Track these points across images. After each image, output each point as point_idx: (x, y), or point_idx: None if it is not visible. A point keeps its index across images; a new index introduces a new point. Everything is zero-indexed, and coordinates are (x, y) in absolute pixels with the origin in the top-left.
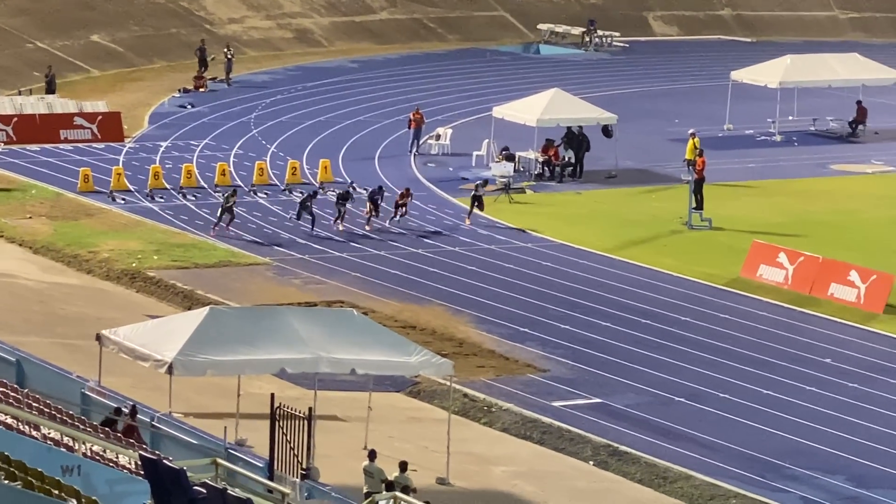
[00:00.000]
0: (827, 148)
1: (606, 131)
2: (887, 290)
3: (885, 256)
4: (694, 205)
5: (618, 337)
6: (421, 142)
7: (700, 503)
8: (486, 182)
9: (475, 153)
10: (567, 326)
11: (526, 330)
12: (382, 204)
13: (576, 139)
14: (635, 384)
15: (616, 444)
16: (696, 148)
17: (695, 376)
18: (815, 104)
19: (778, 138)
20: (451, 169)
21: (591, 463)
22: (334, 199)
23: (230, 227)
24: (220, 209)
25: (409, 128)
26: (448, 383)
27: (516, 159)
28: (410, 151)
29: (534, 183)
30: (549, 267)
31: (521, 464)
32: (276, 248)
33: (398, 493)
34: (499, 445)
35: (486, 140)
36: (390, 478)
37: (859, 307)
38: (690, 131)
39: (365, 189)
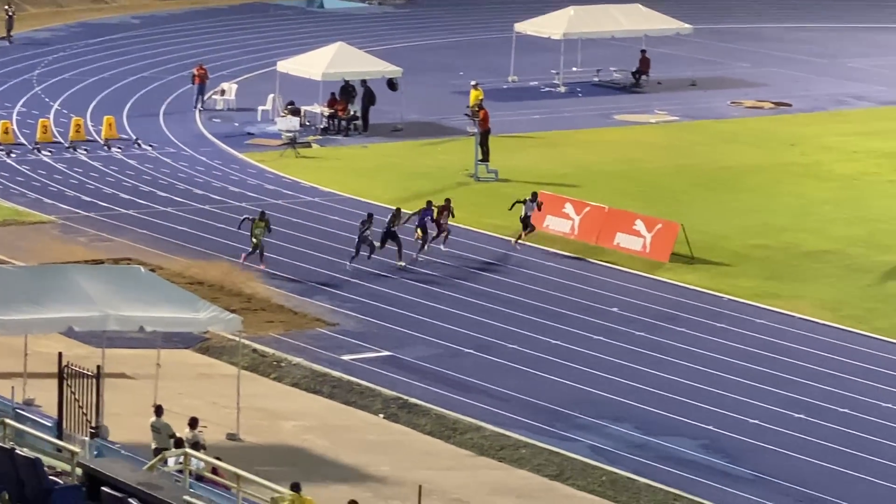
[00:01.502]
0: (611, 98)
1: (391, 85)
2: (672, 239)
3: (669, 205)
4: (480, 157)
5: (406, 290)
6: (205, 97)
7: (490, 454)
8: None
9: (260, 108)
10: (356, 280)
11: (314, 284)
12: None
13: (353, 92)
14: (424, 337)
15: (406, 397)
16: (478, 100)
17: (483, 328)
18: (598, 55)
19: (562, 89)
20: (236, 124)
21: (382, 416)
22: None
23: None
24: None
25: (194, 83)
26: (237, 339)
27: (302, 114)
28: (195, 107)
29: (320, 137)
30: (336, 221)
31: (312, 418)
32: (61, 205)
33: (188, 450)
34: (289, 400)
35: (272, 95)
36: (179, 434)
37: (645, 256)
38: (473, 82)
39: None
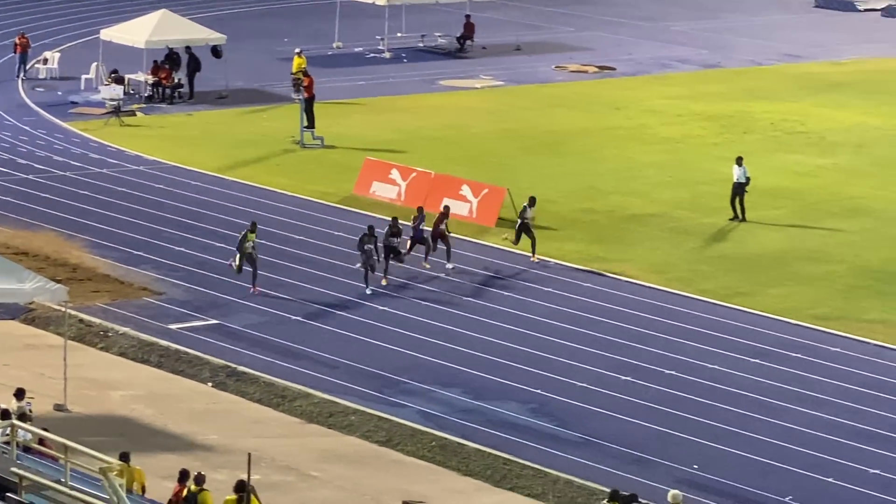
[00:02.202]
0: (436, 64)
1: (216, 52)
2: (499, 204)
3: (495, 170)
4: (305, 123)
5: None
6: (28, 66)
7: (319, 421)
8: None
9: (84, 76)
10: (182, 248)
11: (140, 253)
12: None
13: (177, 60)
14: (251, 304)
15: (234, 365)
16: (301, 67)
17: (311, 294)
18: (423, 20)
19: (387, 55)
20: (59, 93)
21: (210, 384)
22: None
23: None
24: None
25: (15, 52)
26: (63, 309)
27: (126, 82)
28: (17, 76)
29: (144, 105)
30: (161, 189)
31: (140, 387)
32: None
33: (15, 422)
34: (116, 370)
35: (95, 63)
36: (5, 406)
37: (472, 221)
38: (297, 50)
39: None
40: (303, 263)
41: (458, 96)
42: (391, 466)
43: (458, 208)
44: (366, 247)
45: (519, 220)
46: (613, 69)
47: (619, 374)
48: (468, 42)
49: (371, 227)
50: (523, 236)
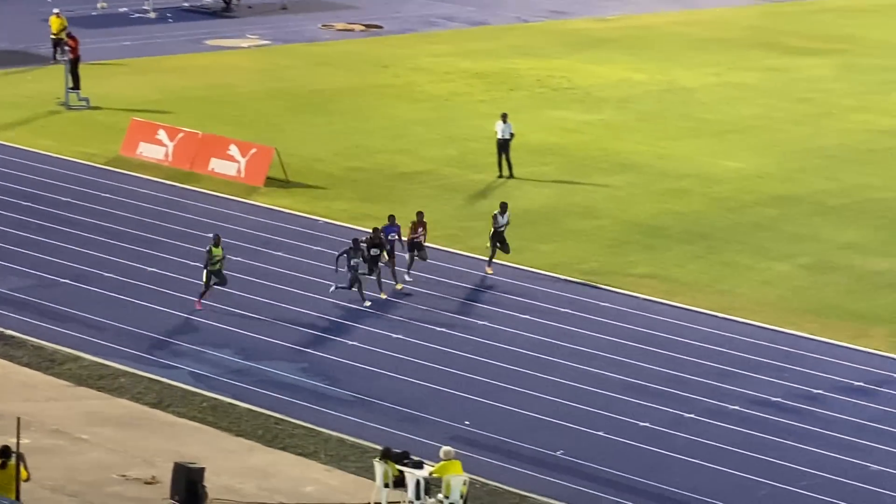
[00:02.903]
0: (202, 24)
1: None
2: (267, 163)
3: (263, 130)
4: (70, 84)
5: (2, 221)
6: None
7: (89, 383)
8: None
9: None
10: None
11: None
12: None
13: None
14: (18, 268)
15: (1, 329)
16: (63, 27)
17: (79, 257)
18: None
19: (152, 15)
20: None
21: None
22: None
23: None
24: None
25: None
26: None
27: None
28: None
29: None
30: None
31: None
32: None
33: None
34: None
35: None
36: None
37: (241, 181)
38: (55, 10)
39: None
40: (71, 226)
41: (225, 56)
42: (162, 428)
43: (226, 168)
44: (352, 261)
45: (492, 230)
46: (380, 28)
47: (390, 333)
48: (234, 1)
49: (356, 241)
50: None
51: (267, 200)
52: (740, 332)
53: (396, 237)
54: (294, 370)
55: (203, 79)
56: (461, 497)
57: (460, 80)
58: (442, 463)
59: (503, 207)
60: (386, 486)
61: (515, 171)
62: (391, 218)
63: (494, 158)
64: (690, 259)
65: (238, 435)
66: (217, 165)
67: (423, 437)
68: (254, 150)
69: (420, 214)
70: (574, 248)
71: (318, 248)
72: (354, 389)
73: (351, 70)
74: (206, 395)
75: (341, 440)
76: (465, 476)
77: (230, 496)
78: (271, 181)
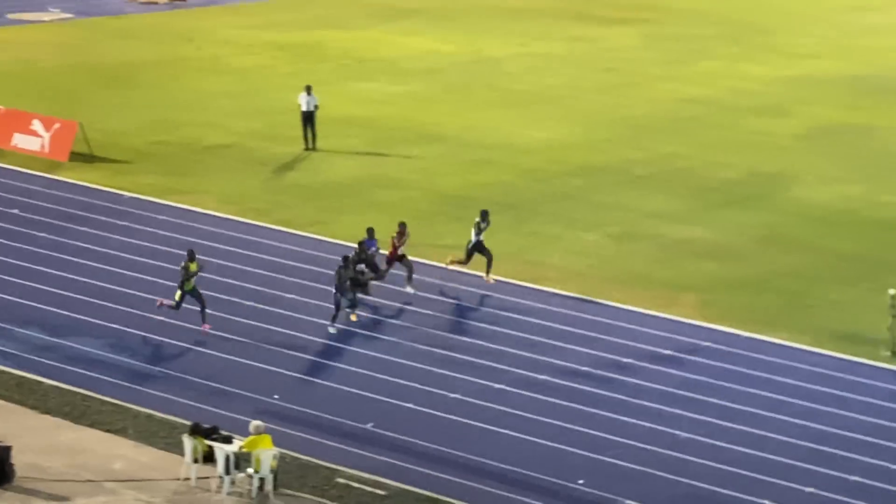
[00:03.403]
0: None
1: None
2: (71, 138)
3: (67, 104)
4: None
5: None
6: None
7: None
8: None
9: None
10: None
11: None
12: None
13: None
14: None
15: None
16: None
17: None
18: None
19: None
20: None
21: None
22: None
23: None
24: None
25: None
26: None
27: None
28: None
29: None
30: None
31: None
32: None
33: None
34: None
35: None
36: None
37: (44, 156)
38: None
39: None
40: None
41: (26, 30)
42: None
43: (30, 143)
44: (346, 283)
45: (473, 239)
46: (185, 0)
47: (195, 307)
48: None
49: (346, 258)
50: (476, 254)
51: (72, 175)
52: (549, 302)
53: (376, 252)
54: (101, 346)
55: (3, 53)
56: (271, 471)
57: (265, 52)
58: (251, 437)
59: (483, 216)
60: (195, 461)
61: (322, 144)
62: (370, 231)
63: (300, 131)
64: (498, 229)
65: (45, 412)
66: (20, 141)
67: (232, 411)
68: (57, 125)
69: (402, 226)
70: (382, 220)
71: (125, 223)
72: (162, 365)
73: (155, 43)
74: (11, 373)
75: (150, 416)
76: (275, 450)
77: (37, 474)
78: (76, 156)
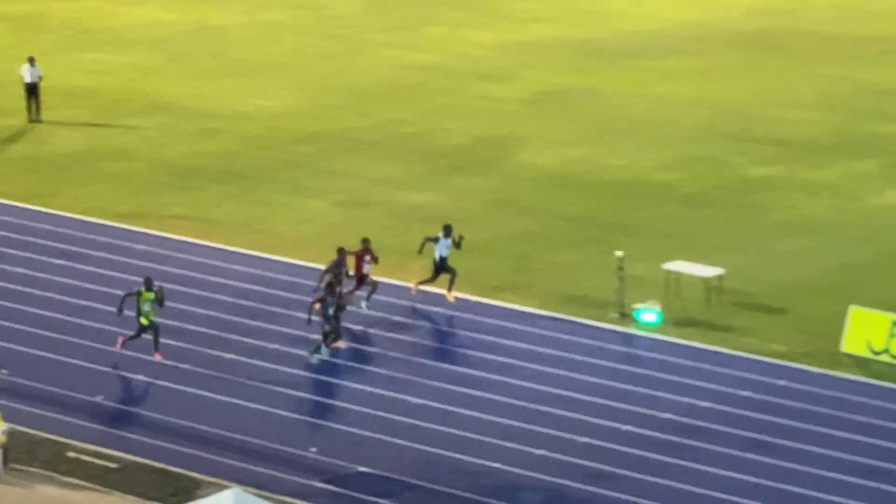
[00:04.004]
0: None
1: None
2: None
3: None
4: None
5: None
6: None
7: None
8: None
9: None
10: None
11: None
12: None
13: None
14: None
15: None
16: None
17: None
18: None
19: None
20: None
21: None
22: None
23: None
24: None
25: None
26: None
27: None
28: None
29: None
30: None
31: None
32: None
33: None
34: None
35: None
36: None
37: None
38: None
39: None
40: None
41: None
42: None
43: None
44: (328, 312)
45: (436, 256)
46: None
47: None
48: None
49: (331, 286)
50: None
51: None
52: (278, 271)
53: (343, 271)
54: None
55: None
56: (1, 447)
57: None
58: None
59: (447, 231)
60: None
61: (46, 115)
62: (340, 251)
63: (24, 103)
64: (226, 199)
65: None
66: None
67: None
68: None
69: (366, 242)
70: (108, 192)
71: None
72: None
73: None
74: None
75: None
76: (4, 426)
77: None
78: None
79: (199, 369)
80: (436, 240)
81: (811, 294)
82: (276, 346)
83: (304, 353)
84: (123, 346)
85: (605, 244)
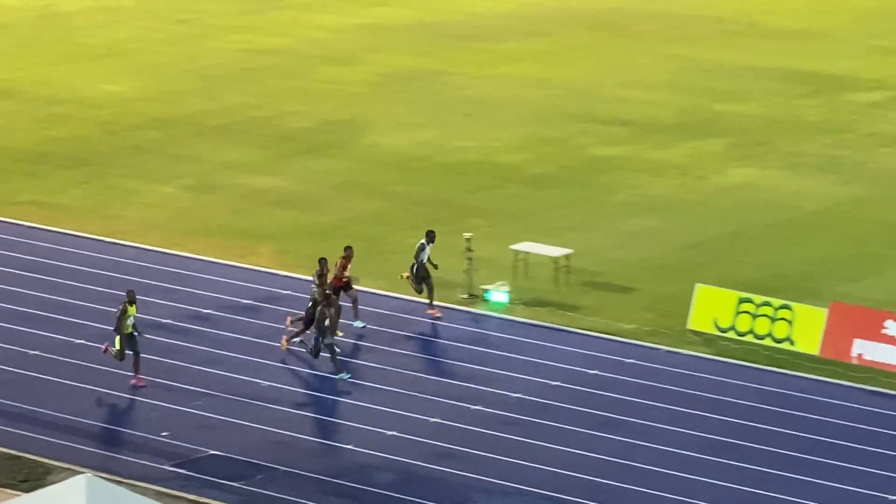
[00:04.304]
0: None
1: None
2: None
3: None
4: None
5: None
6: None
7: None
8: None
9: None
10: None
11: None
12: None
13: None
14: None
15: None
16: None
17: None
18: None
19: None
20: None
21: None
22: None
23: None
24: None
25: None
26: None
27: None
28: None
29: None
30: None
31: None
32: None
33: None
34: None
35: None
36: None
37: None
38: None
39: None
40: None
41: None
42: None
43: None
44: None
45: (414, 262)
46: None
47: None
48: None
49: (329, 295)
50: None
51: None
52: (128, 256)
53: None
54: None
55: None
56: None
57: None
58: None
59: (430, 237)
60: None
61: None
62: (321, 262)
63: None
64: (74, 185)
65: None
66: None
67: None
68: None
69: (348, 250)
70: None
71: None
72: None
73: None
74: None
75: None
76: None
77: None
78: None
79: (49, 355)
80: (422, 248)
81: (658, 273)
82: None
83: (154, 337)
84: (107, 351)
85: (454, 226)
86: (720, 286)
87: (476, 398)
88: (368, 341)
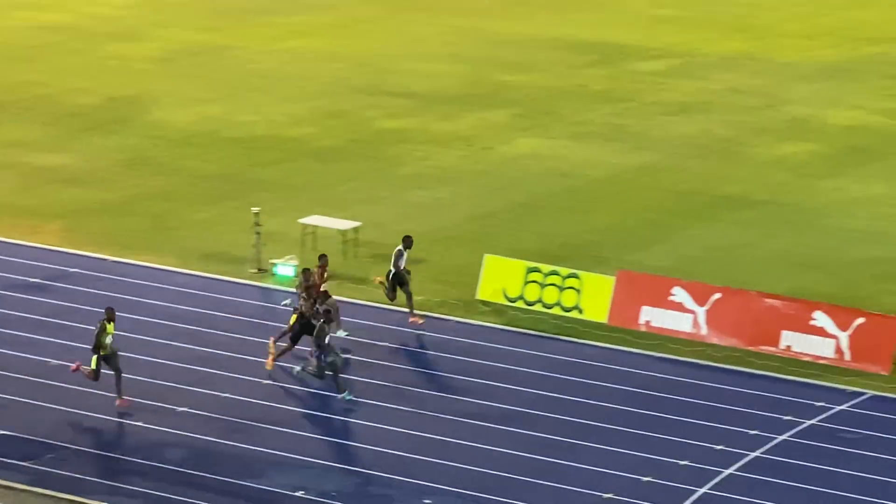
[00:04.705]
0: None
1: None
2: None
3: None
4: None
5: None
6: None
7: None
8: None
9: None
10: None
11: None
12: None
13: None
14: None
15: None
16: None
17: None
18: None
19: None
20: None
21: None
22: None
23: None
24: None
25: None
26: None
27: None
28: None
29: None
30: None
31: None
32: None
33: None
34: None
35: None
36: None
37: None
38: None
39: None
40: None
41: None
42: None
43: None
44: (325, 340)
45: (392, 269)
46: None
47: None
48: None
49: (328, 312)
50: (398, 289)
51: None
52: None
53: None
54: None
55: None
56: None
57: None
58: None
59: (407, 242)
60: None
61: None
62: (305, 272)
63: None
64: None
65: None
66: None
67: None
68: None
69: (323, 258)
70: None
71: None
72: None
73: None
74: None
75: None
76: None
77: None
78: None
79: None
80: (400, 254)
81: (446, 244)
82: None
83: None
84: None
85: (241, 200)
86: (508, 256)
87: (266, 373)
88: (159, 318)
